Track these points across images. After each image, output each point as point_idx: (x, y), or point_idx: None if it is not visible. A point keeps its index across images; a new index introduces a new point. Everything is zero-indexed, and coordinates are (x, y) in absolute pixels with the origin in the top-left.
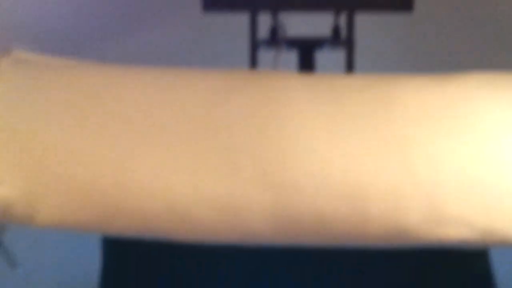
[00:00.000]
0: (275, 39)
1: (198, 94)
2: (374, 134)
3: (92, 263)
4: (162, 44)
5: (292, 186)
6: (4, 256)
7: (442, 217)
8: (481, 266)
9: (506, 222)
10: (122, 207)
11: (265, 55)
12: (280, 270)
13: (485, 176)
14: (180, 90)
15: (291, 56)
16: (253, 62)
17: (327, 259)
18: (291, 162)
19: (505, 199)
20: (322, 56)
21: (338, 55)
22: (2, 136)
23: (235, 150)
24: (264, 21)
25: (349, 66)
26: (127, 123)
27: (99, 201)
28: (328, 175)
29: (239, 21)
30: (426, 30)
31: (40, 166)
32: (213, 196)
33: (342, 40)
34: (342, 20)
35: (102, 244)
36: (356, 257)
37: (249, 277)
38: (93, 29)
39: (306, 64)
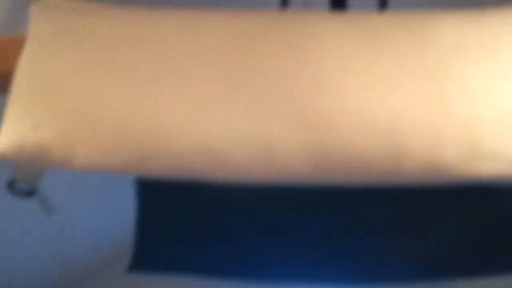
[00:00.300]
0: None
1: (231, 35)
2: (409, 69)
3: (127, 209)
4: None
5: (326, 124)
6: (41, 203)
7: (480, 153)
8: None
9: None
10: (157, 147)
11: None
12: (311, 210)
13: None
14: (212, 30)
15: None
16: (284, 2)
17: (361, 198)
18: (326, 100)
19: None
20: None
21: None
22: (38, 80)
23: (269, 90)
24: None
25: (382, 4)
26: (161, 64)
27: (135, 142)
28: (363, 111)
29: None
30: None
31: (76, 109)
32: (248, 135)
33: None
34: None
35: (135, 185)
36: (391, 195)
37: (278, 216)
38: None
39: (338, 3)
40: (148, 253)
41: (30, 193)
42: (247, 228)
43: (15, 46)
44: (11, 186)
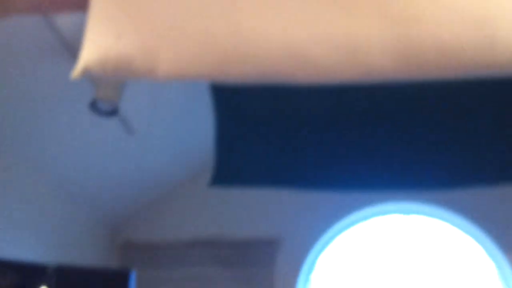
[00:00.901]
0: None
1: None
2: None
3: (206, 125)
4: None
5: (414, 18)
6: (122, 123)
7: None
8: None
9: None
10: (240, 52)
11: None
12: (384, 118)
13: None
14: None
15: None
16: None
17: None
18: None
19: None
20: None
21: None
22: None
23: None
24: None
25: None
26: None
27: (217, 48)
28: (452, 2)
29: None
30: None
31: (158, 17)
32: (332, 34)
33: None
34: None
35: (213, 97)
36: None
37: (352, 125)
38: None
39: None
40: (228, 166)
41: (111, 112)
42: (323, 138)
43: None
44: (94, 106)
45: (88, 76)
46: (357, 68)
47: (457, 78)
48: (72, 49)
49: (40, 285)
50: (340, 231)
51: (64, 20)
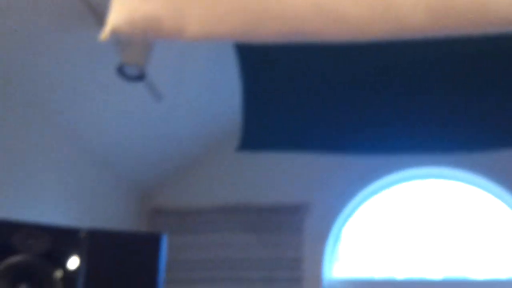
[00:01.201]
0: None
1: None
2: None
3: (234, 90)
4: None
5: None
6: (149, 89)
7: None
8: None
9: None
10: (269, 10)
11: None
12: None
13: None
14: None
15: None
16: None
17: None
18: None
19: None
20: None
21: None
22: None
23: None
24: None
25: None
26: None
27: (245, 6)
28: None
29: None
30: None
31: None
32: None
33: None
34: None
35: (240, 59)
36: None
37: (382, 87)
38: None
39: None
40: (255, 131)
41: (138, 77)
42: (351, 102)
43: None
44: (121, 70)
45: (116, 37)
46: (390, 24)
47: (490, 34)
48: (99, 14)
49: (72, 248)
50: (367, 196)
51: None
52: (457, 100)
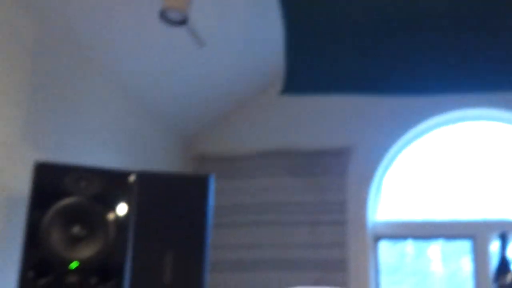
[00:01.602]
0: None
1: None
2: None
3: (276, 36)
4: None
5: None
6: (192, 35)
7: None
8: None
9: None
10: None
11: None
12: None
13: None
14: None
15: None
16: None
17: None
18: None
19: None
20: None
21: None
22: None
23: None
24: None
25: None
26: None
27: None
28: None
29: None
30: None
31: None
32: None
33: None
34: None
35: (281, 5)
36: None
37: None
38: None
39: None
40: (299, 73)
41: (181, 22)
42: (396, 42)
43: None
44: (164, 15)
45: None
46: None
47: None
48: None
49: (123, 190)
50: (411, 139)
51: None
52: (501, 37)
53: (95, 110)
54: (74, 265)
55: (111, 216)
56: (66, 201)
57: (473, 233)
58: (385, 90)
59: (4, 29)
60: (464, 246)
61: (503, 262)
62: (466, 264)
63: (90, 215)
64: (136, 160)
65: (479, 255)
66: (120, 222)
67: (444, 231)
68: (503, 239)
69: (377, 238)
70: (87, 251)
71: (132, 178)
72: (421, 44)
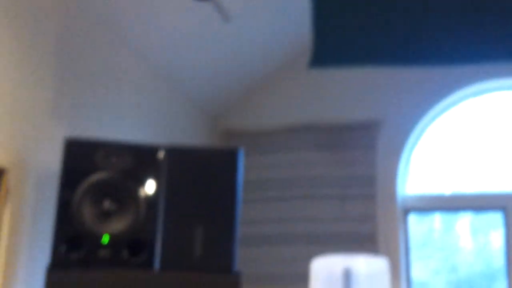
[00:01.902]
0: None
1: None
2: None
3: (303, 9)
4: None
5: None
6: (218, 10)
7: None
8: None
9: None
10: None
11: None
12: None
13: None
14: None
15: None
16: None
17: None
18: None
19: None
20: None
21: None
22: None
23: None
24: None
25: None
26: None
27: None
28: None
29: None
30: None
31: None
32: None
33: None
34: None
35: None
36: None
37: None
38: None
39: None
40: (326, 46)
41: None
42: (424, 11)
43: None
44: None
45: None
46: None
47: None
48: None
49: (152, 165)
50: (440, 112)
51: None
52: None
53: (124, 87)
54: (105, 239)
55: (141, 190)
56: (97, 176)
57: (504, 204)
58: (414, 61)
59: (34, 5)
60: (494, 220)
61: None
62: (496, 239)
63: (121, 190)
64: (164, 136)
65: (511, 228)
66: (150, 196)
67: (474, 203)
68: None
69: (407, 211)
70: (118, 225)
71: (161, 153)
72: (451, 12)
